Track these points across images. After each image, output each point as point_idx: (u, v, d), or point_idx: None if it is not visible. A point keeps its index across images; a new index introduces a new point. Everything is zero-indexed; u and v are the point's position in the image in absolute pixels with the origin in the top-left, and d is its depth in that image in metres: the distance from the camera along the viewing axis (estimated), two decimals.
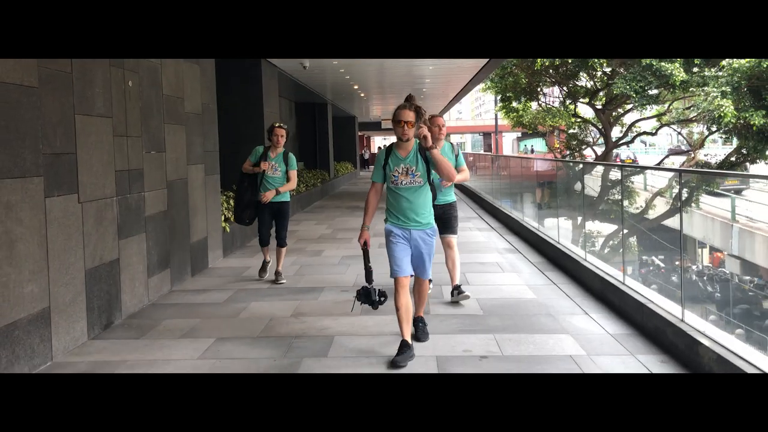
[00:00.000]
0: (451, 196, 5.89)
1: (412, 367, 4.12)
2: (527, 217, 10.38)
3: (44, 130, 4.38)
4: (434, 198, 4.41)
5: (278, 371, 4.10)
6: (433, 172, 4.30)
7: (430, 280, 5.06)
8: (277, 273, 6.78)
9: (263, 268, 6.99)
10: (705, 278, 15.74)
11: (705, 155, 20.43)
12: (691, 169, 12.31)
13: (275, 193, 6.55)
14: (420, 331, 4.63)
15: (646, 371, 3.99)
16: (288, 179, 6.67)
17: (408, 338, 4.22)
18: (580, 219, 7.83)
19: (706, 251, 18.73)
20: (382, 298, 4.31)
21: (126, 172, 5.60)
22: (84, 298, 4.87)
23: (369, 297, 4.29)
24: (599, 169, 13.94)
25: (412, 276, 4.35)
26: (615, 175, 13.74)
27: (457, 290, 5.76)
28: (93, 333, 4.99)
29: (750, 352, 3.54)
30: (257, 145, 6.99)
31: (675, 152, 28.13)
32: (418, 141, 4.29)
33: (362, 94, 20.42)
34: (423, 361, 4.20)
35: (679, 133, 21.31)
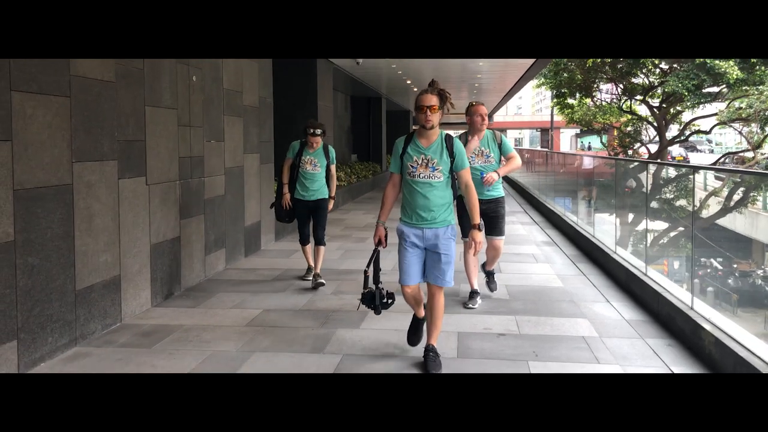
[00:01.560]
0: (498, 190, 5.49)
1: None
2: (569, 212, 10.61)
3: (119, 119, 5.00)
4: (455, 196, 3.97)
5: (314, 339, 4.60)
6: (456, 170, 3.90)
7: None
8: (316, 275, 6.25)
9: (307, 272, 6.56)
10: None
11: (762, 155, 19.91)
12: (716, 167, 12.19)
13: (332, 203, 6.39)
14: (430, 362, 3.95)
15: (651, 352, 4.31)
16: (328, 174, 6.37)
17: (420, 315, 4.20)
18: (621, 216, 8.05)
19: None
20: (390, 300, 4.04)
21: (188, 159, 6.21)
22: (149, 269, 5.50)
23: (372, 300, 4.00)
24: (651, 167, 13.91)
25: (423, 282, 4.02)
26: (664, 173, 13.69)
27: (490, 277, 5.77)
28: (155, 301, 5.61)
29: (743, 335, 3.82)
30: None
31: (729, 154, 27.36)
32: (444, 132, 3.92)
33: (415, 89, 20.80)
34: (444, 336, 4.62)
35: (740, 132, 20.83)
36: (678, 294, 4.95)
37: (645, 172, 7.39)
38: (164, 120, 5.74)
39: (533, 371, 3.96)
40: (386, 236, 3.96)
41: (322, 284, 6.16)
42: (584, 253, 8.03)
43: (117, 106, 4.97)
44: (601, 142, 26.61)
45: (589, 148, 46.89)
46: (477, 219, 3.87)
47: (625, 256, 6.60)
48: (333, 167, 6.39)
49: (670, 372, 3.94)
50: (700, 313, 4.44)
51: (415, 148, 3.87)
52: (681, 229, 6.32)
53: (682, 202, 7.37)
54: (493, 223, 5.46)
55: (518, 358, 4.19)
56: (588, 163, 10.54)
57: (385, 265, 4.56)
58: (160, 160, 5.66)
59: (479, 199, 4.77)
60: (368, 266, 3.95)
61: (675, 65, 17.47)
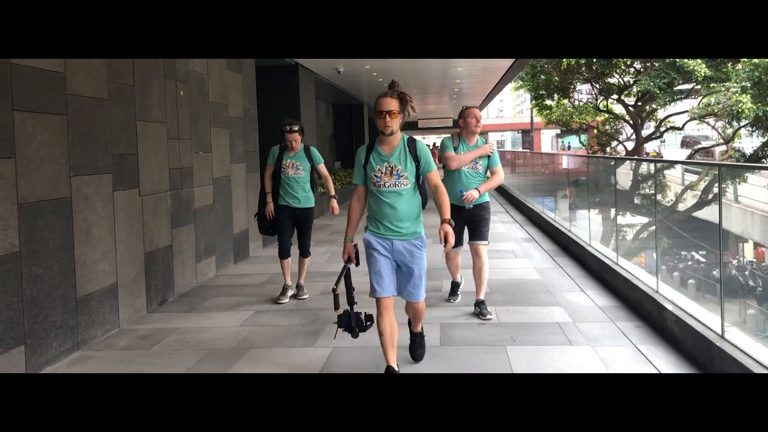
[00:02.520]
0: (484, 195, 5.24)
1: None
2: (547, 210, 10.97)
3: (112, 134, 5.25)
4: (424, 204, 3.77)
5: (305, 336, 4.87)
6: (423, 174, 3.68)
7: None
8: (299, 286, 6.08)
9: (282, 292, 6.00)
10: (747, 273, 15.93)
11: (735, 149, 20.47)
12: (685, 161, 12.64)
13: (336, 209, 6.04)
14: (416, 346, 4.10)
15: (620, 334, 4.63)
16: (320, 176, 6.03)
17: (393, 363, 3.63)
18: (595, 211, 8.41)
19: (749, 246, 18.81)
20: (368, 323, 3.70)
21: (178, 170, 6.47)
22: (144, 277, 5.74)
23: (349, 322, 3.68)
24: (622, 163, 14.36)
25: (397, 296, 3.75)
26: (641, 168, 14.11)
27: (480, 306, 5.21)
28: (151, 307, 5.85)
29: (700, 312, 4.15)
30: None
31: (688, 143, 27.96)
32: (405, 137, 3.68)
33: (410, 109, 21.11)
34: (428, 327, 4.88)
35: (713, 127, 21.38)
36: (645, 280, 5.29)
37: (614, 169, 7.73)
38: (154, 134, 5.99)
39: (510, 355, 4.26)
40: (357, 253, 3.73)
41: (305, 298, 5.94)
42: (562, 248, 8.37)
43: (110, 122, 5.23)
44: (580, 141, 27.16)
45: (569, 147, 47.54)
46: (447, 215, 3.61)
47: (599, 248, 6.94)
48: (321, 167, 5.99)
49: (638, 351, 4.25)
50: (665, 295, 4.77)
51: (377, 156, 3.63)
52: (648, 220, 6.65)
53: (649, 195, 7.73)
54: (477, 227, 5.21)
55: (497, 344, 4.49)
56: (563, 162, 10.92)
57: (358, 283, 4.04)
58: (152, 172, 5.91)
59: (462, 206, 5.06)
60: (336, 284, 3.58)
61: (648, 64, 17.98)
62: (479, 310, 5.19)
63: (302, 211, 5.91)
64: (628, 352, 4.24)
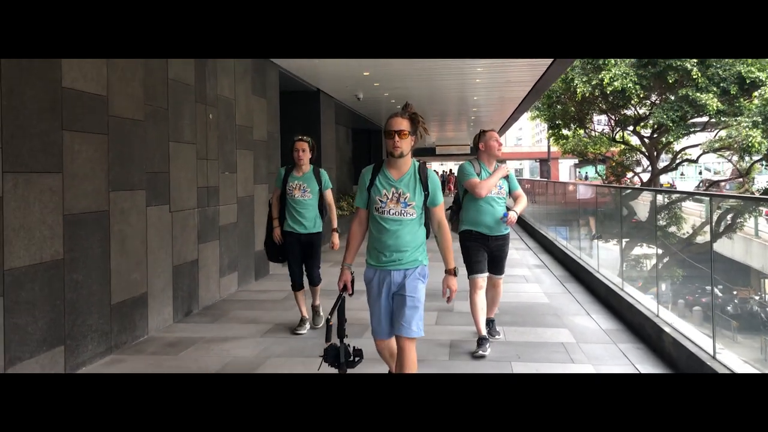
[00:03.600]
0: (506, 227, 5.03)
1: (422, 346, 5.09)
2: (560, 237, 11.20)
3: (147, 153, 5.63)
4: (428, 234, 3.52)
5: (322, 347, 5.14)
6: (429, 206, 3.44)
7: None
8: (315, 309, 5.79)
9: (300, 324, 5.65)
10: None
11: (752, 185, 20.58)
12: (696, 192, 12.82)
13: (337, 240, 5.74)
14: None
15: (621, 354, 4.86)
16: (325, 203, 5.60)
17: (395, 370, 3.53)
18: (604, 239, 8.64)
19: None
20: (357, 359, 3.41)
21: (205, 189, 6.84)
22: (171, 288, 6.08)
23: (336, 358, 3.38)
24: (639, 194, 14.56)
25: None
26: (654, 200, 14.28)
27: (489, 326, 5.30)
28: (177, 318, 6.18)
29: (695, 334, 4.39)
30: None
31: (707, 182, 28.13)
32: (416, 163, 3.45)
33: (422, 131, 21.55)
34: (438, 344, 5.17)
35: (729, 160, 21.52)
36: (647, 304, 5.52)
37: (619, 199, 7.99)
38: (185, 154, 6.38)
39: (515, 370, 4.51)
40: (353, 281, 3.47)
41: (329, 319, 5.64)
42: (572, 274, 8.60)
43: (145, 142, 5.61)
44: (596, 171, 27.40)
45: (586, 177, 47.68)
46: (452, 263, 3.41)
47: (606, 274, 7.17)
48: (328, 193, 5.59)
49: (636, 370, 4.49)
50: (664, 319, 5.01)
51: (384, 179, 3.37)
52: (651, 249, 6.90)
53: (654, 225, 7.95)
54: (498, 260, 5.08)
55: (503, 360, 4.75)
56: (574, 191, 11.18)
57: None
58: (181, 190, 6.29)
59: (489, 236, 4.91)
60: (331, 314, 3.38)
61: (662, 97, 18.26)
62: (488, 328, 5.20)
63: (308, 237, 5.48)
64: (626, 371, 4.48)
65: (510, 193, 5.07)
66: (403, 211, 3.34)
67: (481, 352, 4.84)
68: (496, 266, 5.12)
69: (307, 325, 5.68)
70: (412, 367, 3.35)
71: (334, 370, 3.37)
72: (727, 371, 3.76)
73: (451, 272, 3.41)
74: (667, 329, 4.71)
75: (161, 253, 5.88)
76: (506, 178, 5.03)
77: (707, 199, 8.21)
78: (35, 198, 4.19)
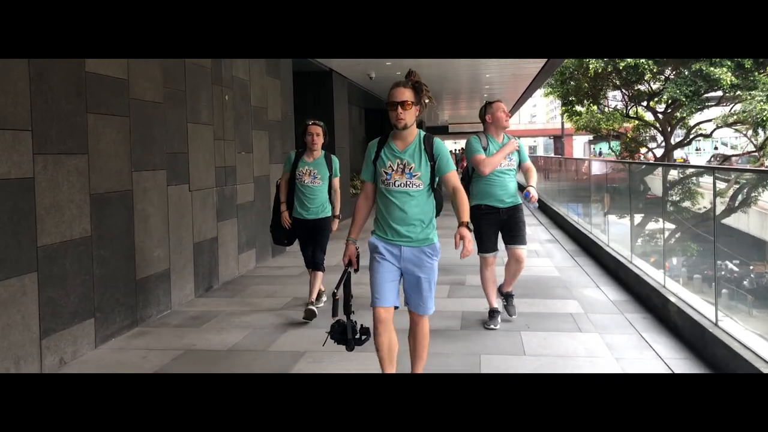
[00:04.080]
0: (517, 195, 4.97)
1: (435, 318, 5.28)
2: (572, 212, 11.31)
3: (167, 135, 5.82)
4: (439, 211, 3.42)
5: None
6: (439, 175, 3.30)
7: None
8: (309, 303, 5.31)
9: (318, 297, 5.56)
10: None
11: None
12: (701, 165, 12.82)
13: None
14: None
15: (627, 323, 5.02)
16: (332, 190, 5.48)
17: (390, 370, 3.37)
18: (613, 214, 8.75)
19: None
20: (364, 336, 3.36)
21: (223, 168, 7.03)
22: (192, 265, 6.30)
23: (344, 334, 3.33)
24: (654, 169, 14.59)
25: (397, 308, 3.37)
26: (670, 175, 14.32)
27: (508, 300, 5.19)
28: (198, 293, 6.41)
29: (699, 303, 4.54)
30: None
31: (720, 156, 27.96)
32: (422, 133, 3.34)
33: (426, 100, 21.60)
34: (450, 315, 5.36)
35: (745, 135, 21.37)
36: (655, 276, 5.66)
37: (629, 174, 8.08)
38: (203, 135, 6.56)
39: (524, 338, 4.68)
40: (358, 257, 3.38)
41: (314, 316, 5.19)
42: (582, 248, 8.74)
43: (165, 124, 5.80)
44: (610, 147, 27.33)
45: (600, 153, 47.44)
46: (465, 217, 3.19)
47: (616, 248, 7.31)
48: (336, 180, 5.49)
49: (641, 338, 4.65)
50: (670, 289, 5.15)
51: (389, 151, 3.30)
52: (662, 224, 7.01)
53: (662, 200, 8.05)
54: (515, 230, 4.89)
55: (512, 329, 4.92)
56: (586, 168, 11.26)
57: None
58: (200, 170, 6.48)
59: (501, 208, 4.82)
60: (337, 288, 3.34)
61: (676, 72, 18.15)
62: (506, 303, 5.14)
63: (315, 221, 5.37)
64: (632, 339, 4.64)
65: (520, 165, 4.97)
66: (408, 182, 3.24)
67: (492, 326, 4.93)
68: (516, 236, 4.89)
69: (324, 297, 5.70)
70: (425, 337, 3.45)
71: (341, 349, 3.36)
72: (728, 336, 3.91)
73: (463, 224, 3.15)
74: (672, 299, 4.86)
75: (182, 230, 6.09)
76: (518, 149, 4.91)
77: (720, 173, 8.30)
78: (63, 178, 4.39)
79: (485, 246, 4.94)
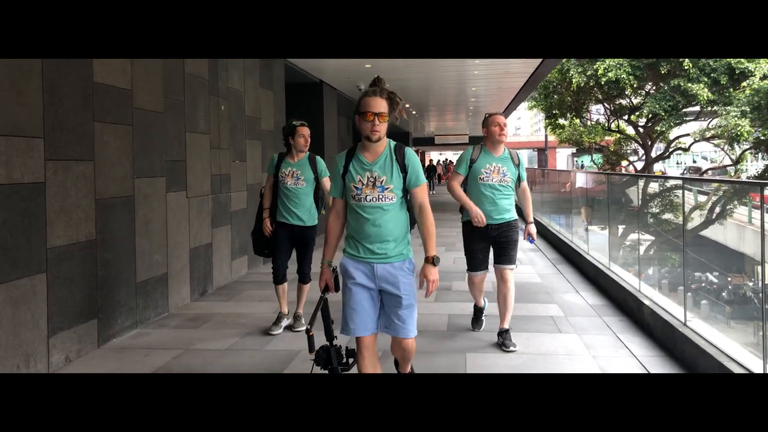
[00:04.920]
0: (511, 212, 4.76)
1: (423, 319, 5.54)
2: (553, 222, 11.66)
3: (166, 143, 6.05)
4: (412, 225, 3.19)
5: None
6: (409, 189, 3.11)
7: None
8: (296, 316, 5.34)
9: (277, 321, 5.27)
10: (761, 295, 16.42)
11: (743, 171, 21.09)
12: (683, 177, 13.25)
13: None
14: None
15: (604, 325, 5.32)
16: (322, 190, 5.20)
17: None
18: (593, 224, 9.09)
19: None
20: (350, 360, 3.22)
21: (218, 176, 7.27)
22: (188, 269, 6.52)
23: (329, 362, 3.14)
24: (635, 182, 15.02)
25: (377, 334, 3.16)
26: (650, 188, 14.76)
27: (504, 336, 4.78)
28: (193, 297, 6.62)
29: (670, 305, 4.85)
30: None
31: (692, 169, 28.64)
32: (393, 143, 3.11)
33: (414, 112, 21.99)
34: (437, 318, 5.62)
35: (723, 149, 21.95)
36: (630, 281, 5.98)
37: (608, 186, 8.42)
38: (200, 143, 6.80)
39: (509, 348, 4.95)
40: (335, 280, 3.19)
41: (301, 330, 5.16)
42: (564, 257, 9.06)
43: (165, 132, 6.03)
44: (592, 160, 27.87)
45: (582, 166, 48.17)
46: (432, 251, 3.07)
47: (595, 255, 7.62)
48: (326, 180, 5.16)
49: (617, 339, 4.94)
50: (645, 294, 5.46)
51: (358, 164, 3.08)
52: (640, 234, 7.35)
53: (635, 210, 8.40)
54: (504, 249, 4.71)
55: (496, 331, 5.19)
56: (566, 179, 11.62)
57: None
58: (197, 177, 6.71)
59: (489, 225, 4.61)
60: (311, 323, 3.15)
61: (656, 87, 18.71)
62: (502, 340, 4.76)
63: (302, 230, 5.11)
64: (608, 339, 4.93)
65: (518, 182, 4.79)
66: (380, 196, 3.03)
67: (476, 329, 5.15)
68: (503, 254, 4.72)
69: (284, 322, 5.27)
70: (411, 353, 3.25)
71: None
72: (696, 335, 4.21)
73: (429, 260, 3.05)
74: (646, 302, 5.17)
75: (179, 236, 6.32)
76: (517, 165, 4.74)
77: (698, 186, 8.63)
78: (72, 183, 4.61)
79: (473, 264, 4.83)
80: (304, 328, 4.91)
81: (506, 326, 4.82)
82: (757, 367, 3.49)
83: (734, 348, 3.86)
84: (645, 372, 4.16)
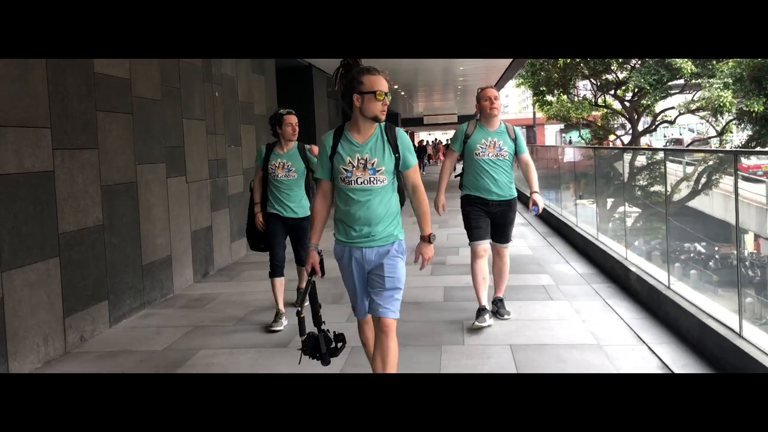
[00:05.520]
0: (511, 189, 4.69)
1: (420, 291, 5.77)
2: (543, 197, 11.91)
3: (165, 130, 6.21)
4: (402, 203, 3.12)
5: (332, 296, 5.80)
6: (401, 170, 3.04)
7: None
8: (299, 290, 5.29)
9: (276, 319, 4.98)
10: (747, 263, 16.84)
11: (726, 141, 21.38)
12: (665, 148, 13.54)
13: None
14: None
15: (594, 292, 5.57)
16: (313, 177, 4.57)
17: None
18: (582, 197, 9.34)
19: (749, 237, 19.66)
20: (340, 344, 3.06)
21: (215, 161, 7.44)
22: (190, 251, 6.71)
23: (317, 348, 3.00)
24: (619, 155, 15.30)
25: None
26: (637, 161, 15.03)
27: (498, 305, 4.94)
28: (196, 278, 6.82)
29: (654, 270, 5.11)
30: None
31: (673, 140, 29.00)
32: (384, 123, 3.00)
33: (402, 93, 22.12)
34: (432, 290, 5.85)
35: (708, 121, 22.22)
36: (617, 250, 6.23)
37: (595, 160, 8.66)
38: (196, 129, 6.96)
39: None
40: (322, 263, 3.05)
41: (299, 311, 4.56)
42: (554, 230, 9.31)
43: (163, 120, 6.19)
44: (579, 135, 28.17)
45: (570, 141, 48.44)
46: (428, 229, 3.05)
47: (584, 227, 7.88)
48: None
49: (606, 304, 5.19)
50: (631, 261, 5.72)
51: (347, 145, 2.97)
52: (627, 206, 7.59)
53: (621, 182, 8.64)
54: (501, 229, 4.73)
55: (490, 300, 5.43)
56: (555, 154, 11.85)
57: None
58: (195, 163, 6.88)
59: (490, 200, 4.56)
60: (301, 305, 3.03)
61: (640, 62, 18.91)
62: (496, 308, 4.90)
63: (295, 221, 4.99)
64: (597, 304, 5.19)
65: (516, 155, 4.68)
66: (372, 179, 2.93)
67: (477, 323, 4.61)
68: (501, 234, 4.76)
69: (284, 321, 5.00)
70: (393, 354, 2.98)
71: (317, 364, 3.06)
72: (680, 297, 4.46)
73: (425, 239, 3.05)
74: (633, 269, 5.42)
75: (181, 220, 6.50)
76: (514, 139, 4.64)
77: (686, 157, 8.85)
78: (78, 171, 4.78)
79: (475, 233, 4.67)
80: (296, 312, 4.52)
81: (501, 295, 5.00)
82: (733, 323, 3.74)
83: (714, 307, 4.11)
84: (636, 336, 4.42)
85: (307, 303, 3.04)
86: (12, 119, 4.09)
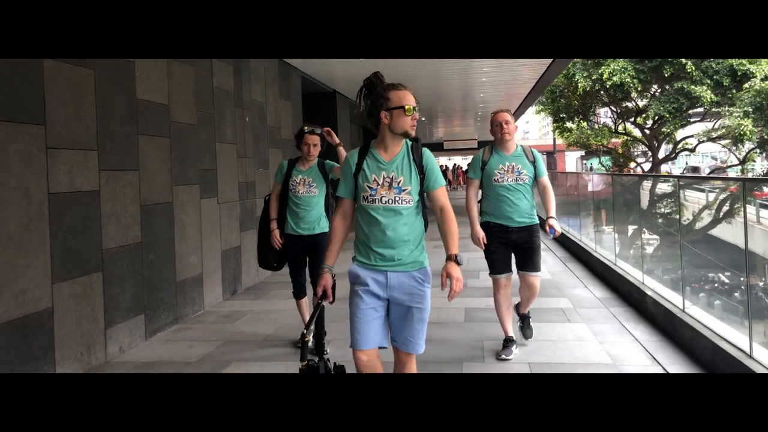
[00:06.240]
0: (533, 216, 4.53)
1: (442, 312, 5.95)
2: (562, 223, 12.05)
3: (199, 153, 6.52)
4: (426, 227, 2.97)
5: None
6: (428, 190, 2.91)
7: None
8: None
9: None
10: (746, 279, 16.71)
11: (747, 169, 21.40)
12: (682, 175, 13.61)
13: None
14: None
15: (611, 315, 5.72)
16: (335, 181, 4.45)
17: None
18: (599, 223, 9.49)
19: None
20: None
21: (245, 183, 7.73)
22: (220, 270, 6.97)
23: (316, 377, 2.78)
24: (642, 183, 15.43)
25: (384, 348, 2.89)
26: (658, 189, 15.13)
27: (524, 322, 4.94)
28: (225, 296, 7.07)
29: (670, 294, 5.25)
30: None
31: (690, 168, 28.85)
32: (409, 141, 2.91)
33: (423, 118, 22.46)
34: (455, 312, 6.04)
35: (730, 150, 22.24)
36: (635, 275, 6.38)
37: (613, 186, 8.83)
38: (228, 153, 7.27)
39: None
40: (334, 287, 2.91)
41: (304, 334, 4.05)
42: (572, 255, 9.45)
43: (197, 143, 6.50)
44: (600, 162, 28.25)
45: (591, 168, 48.49)
46: (455, 249, 2.84)
47: (602, 252, 8.02)
48: (337, 169, 4.88)
49: (622, 327, 5.34)
50: (648, 285, 5.87)
51: (373, 163, 2.86)
52: (646, 233, 7.73)
53: (639, 208, 8.78)
54: (527, 255, 4.52)
55: (515, 322, 5.61)
56: (573, 182, 12.02)
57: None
58: (226, 184, 7.18)
59: (510, 227, 4.42)
60: (307, 328, 2.92)
61: (660, 89, 19.11)
62: (521, 324, 4.92)
63: (313, 238, 4.80)
64: (614, 327, 5.34)
65: (536, 179, 4.53)
66: (397, 198, 2.81)
67: (504, 356, 4.50)
68: (527, 261, 4.54)
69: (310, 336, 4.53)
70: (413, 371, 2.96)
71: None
72: (694, 320, 4.61)
73: (453, 258, 2.81)
74: (649, 293, 5.57)
75: (212, 239, 6.78)
76: (533, 162, 4.49)
77: (705, 185, 8.99)
78: (120, 191, 5.08)
79: (496, 266, 4.54)
80: (300, 334, 3.97)
81: (527, 312, 4.88)
82: (744, 344, 3.88)
83: (726, 330, 4.26)
84: (651, 357, 4.56)
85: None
86: (65, 141, 4.40)
